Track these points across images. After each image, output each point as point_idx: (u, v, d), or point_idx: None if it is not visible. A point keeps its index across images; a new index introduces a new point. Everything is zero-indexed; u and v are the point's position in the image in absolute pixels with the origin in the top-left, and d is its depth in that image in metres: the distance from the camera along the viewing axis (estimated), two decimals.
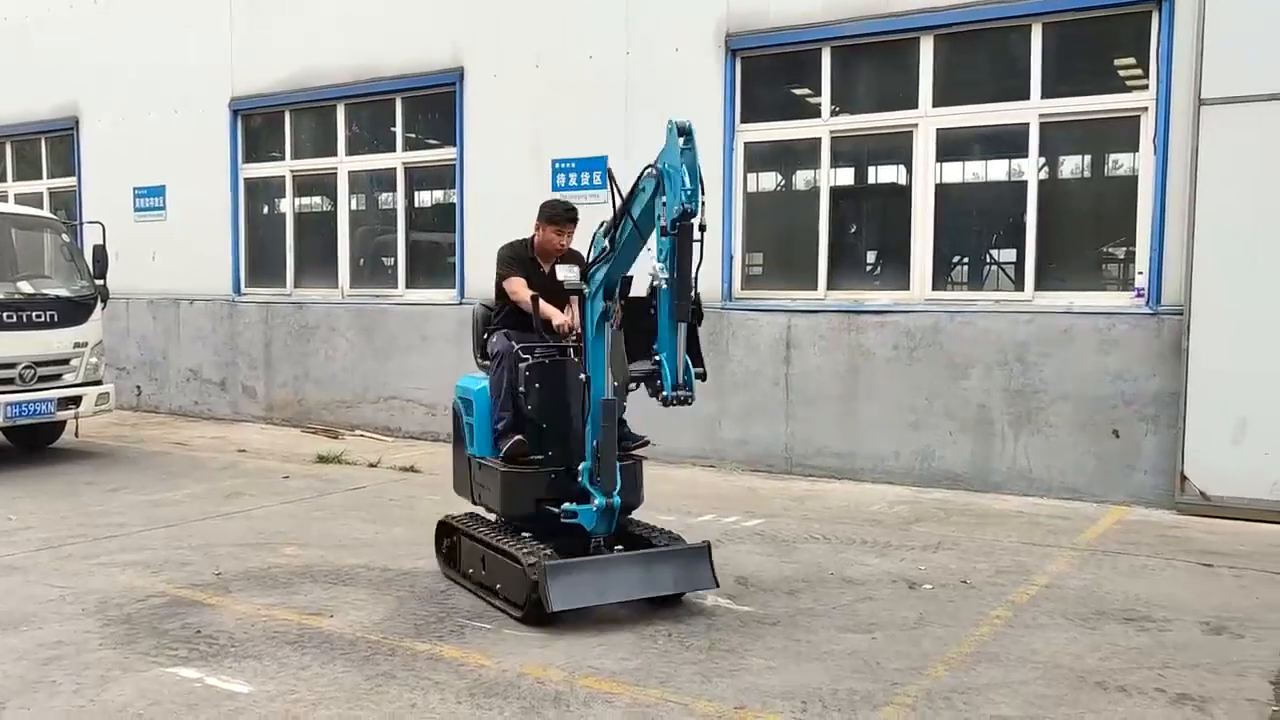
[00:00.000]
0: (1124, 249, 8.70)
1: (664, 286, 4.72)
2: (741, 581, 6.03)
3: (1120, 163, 9.26)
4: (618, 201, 5.13)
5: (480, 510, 6.12)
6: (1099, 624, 5.29)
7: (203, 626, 5.24)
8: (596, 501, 5.31)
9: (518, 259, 6.14)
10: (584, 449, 5.42)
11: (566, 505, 5.41)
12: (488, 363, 6.05)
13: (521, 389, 5.66)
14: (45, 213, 12.10)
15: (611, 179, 5.20)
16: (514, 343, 5.81)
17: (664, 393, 4.81)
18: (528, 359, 5.69)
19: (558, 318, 5.80)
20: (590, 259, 5.36)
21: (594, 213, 9.97)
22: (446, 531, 6.15)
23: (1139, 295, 8.15)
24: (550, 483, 5.59)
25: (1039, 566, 6.38)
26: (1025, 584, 6.00)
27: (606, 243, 5.17)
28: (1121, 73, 8.55)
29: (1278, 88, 7.37)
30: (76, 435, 10.78)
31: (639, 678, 4.56)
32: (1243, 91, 7.48)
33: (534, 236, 6.22)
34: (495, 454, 5.79)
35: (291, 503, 8.26)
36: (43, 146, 15.13)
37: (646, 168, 4.90)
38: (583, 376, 5.39)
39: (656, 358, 4.87)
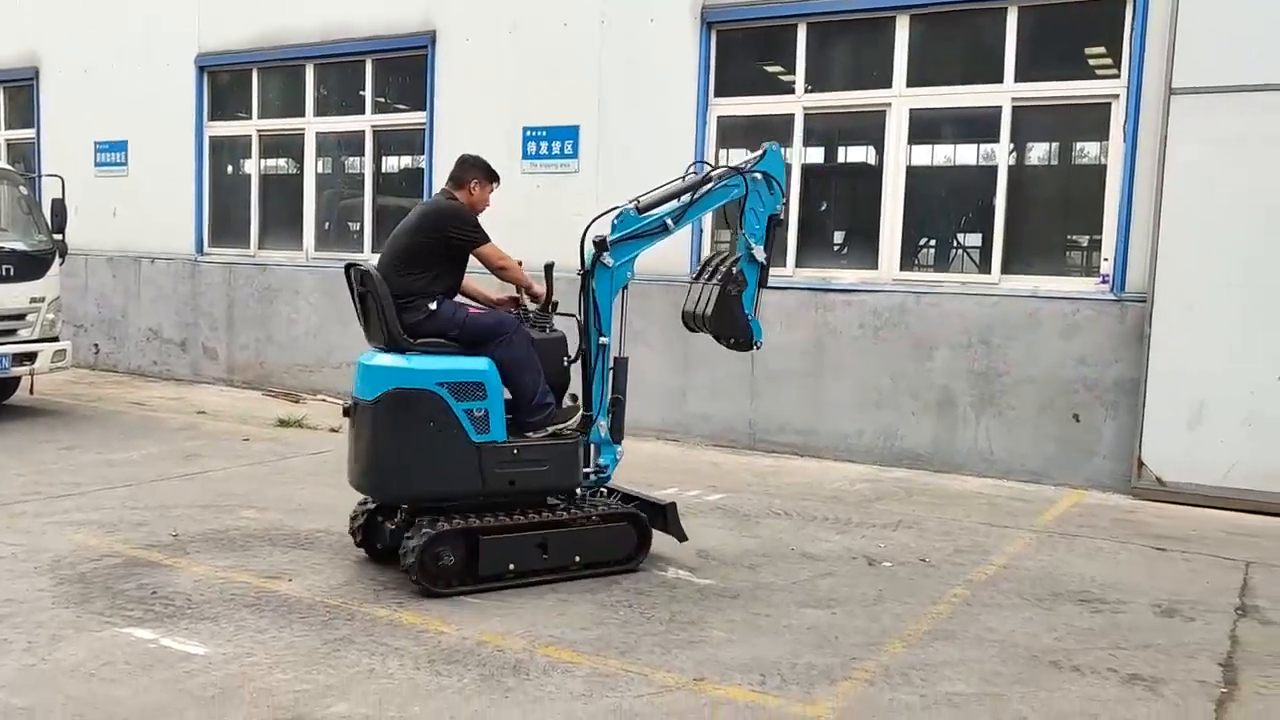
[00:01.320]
0: (1090, 235, 8.77)
1: (764, 262, 5.84)
2: (703, 555, 6.05)
3: (1090, 149, 9.32)
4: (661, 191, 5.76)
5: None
6: (1054, 604, 5.35)
7: (158, 587, 5.18)
8: (619, 450, 5.89)
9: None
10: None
11: (600, 460, 5.81)
12: (432, 340, 5.43)
13: (566, 359, 5.70)
14: (2, 164, 11.84)
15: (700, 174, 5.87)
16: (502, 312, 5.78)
17: (760, 341, 6.00)
18: (552, 330, 5.74)
19: (537, 286, 5.86)
20: (625, 233, 5.59)
21: (563, 182, 10.07)
22: (443, 541, 5.21)
23: (1104, 281, 8.22)
24: None
25: (997, 547, 6.45)
26: (983, 564, 6.06)
27: (669, 221, 5.65)
28: (1094, 60, 8.59)
29: (1248, 79, 7.44)
30: (32, 392, 10.60)
31: (599, 647, 4.56)
32: (1213, 82, 7.53)
33: (459, 194, 5.80)
34: (531, 432, 5.52)
35: (251, 466, 8.18)
36: (1, 96, 14.78)
37: (735, 170, 5.85)
38: (603, 340, 5.64)
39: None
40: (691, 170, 5.87)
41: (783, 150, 6.03)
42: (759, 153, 5.94)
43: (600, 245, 5.54)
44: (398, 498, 5.53)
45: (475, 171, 5.84)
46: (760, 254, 5.81)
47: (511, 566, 5.36)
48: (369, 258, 11.38)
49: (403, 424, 5.29)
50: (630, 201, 5.66)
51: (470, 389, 5.35)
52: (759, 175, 5.84)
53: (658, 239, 5.70)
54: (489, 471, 5.37)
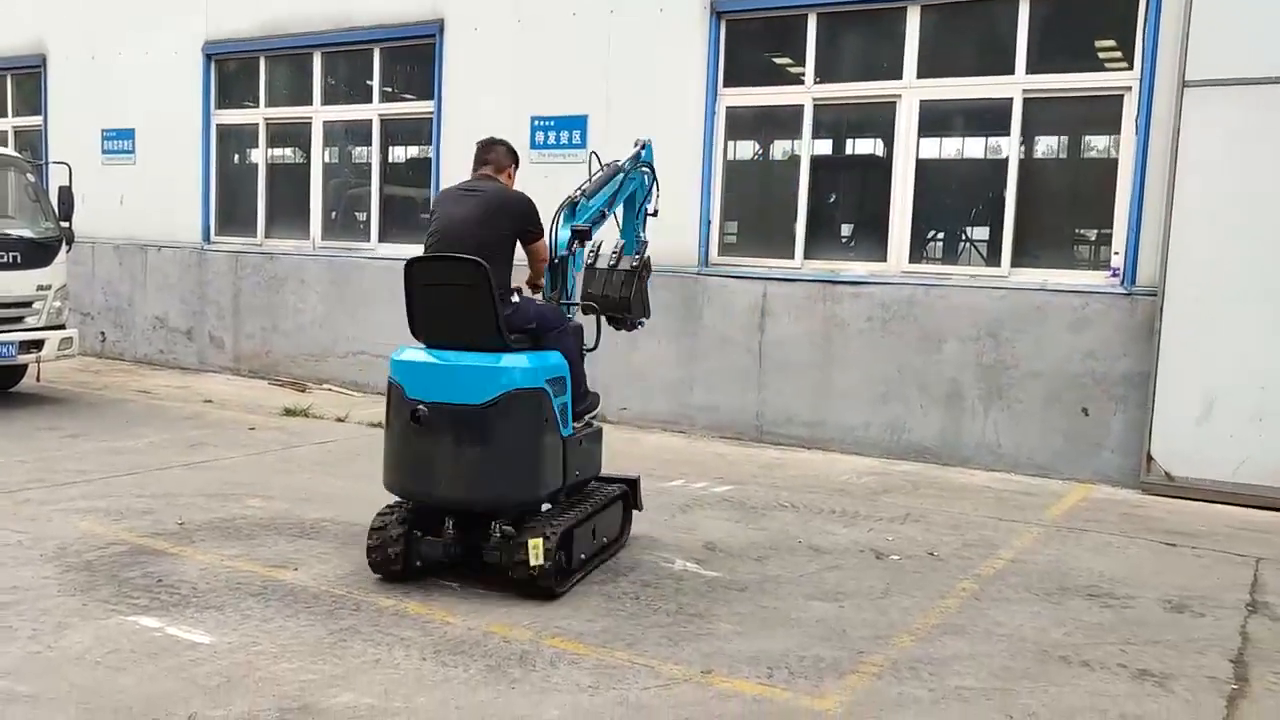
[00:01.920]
0: (1101, 229, 8.71)
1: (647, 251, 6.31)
2: (710, 547, 6.03)
3: (1101, 142, 9.25)
4: (591, 179, 5.99)
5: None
6: (1063, 599, 5.32)
7: (164, 576, 5.17)
8: None
9: None
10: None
11: None
12: (518, 336, 5.19)
13: (585, 348, 5.78)
14: (10, 151, 11.82)
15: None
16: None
17: (645, 321, 6.25)
18: (571, 319, 5.76)
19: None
20: (585, 220, 5.72)
21: (571, 172, 10.00)
22: (559, 540, 5.05)
23: (1114, 275, 8.17)
24: None
25: (1005, 541, 6.42)
26: (991, 558, 6.03)
27: (605, 209, 5.96)
28: (1106, 51, 8.53)
29: (1261, 72, 7.37)
30: (38, 380, 10.60)
31: (605, 639, 4.54)
32: (1226, 74, 7.47)
33: (501, 178, 5.63)
34: (576, 422, 5.44)
35: (257, 455, 8.17)
36: (8, 83, 14.77)
37: (641, 164, 6.31)
38: (576, 322, 5.76)
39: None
40: (599, 165, 6.13)
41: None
42: (639, 148, 6.36)
43: (584, 235, 5.64)
44: (511, 504, 5.08)
45: (511, 156, 5.72)
46: (646, 243, 6.37)
47: (582, 556, 5.36)
48: (375, 247, 11.48)
49: (525, 426, 5.03)
50: (577, 191, 5.80)
51: (560, 384, 5.24)
52: (646, 169, 6.33)
53: (599, 225, 5.95)
54: (570, 465, 5.28)
